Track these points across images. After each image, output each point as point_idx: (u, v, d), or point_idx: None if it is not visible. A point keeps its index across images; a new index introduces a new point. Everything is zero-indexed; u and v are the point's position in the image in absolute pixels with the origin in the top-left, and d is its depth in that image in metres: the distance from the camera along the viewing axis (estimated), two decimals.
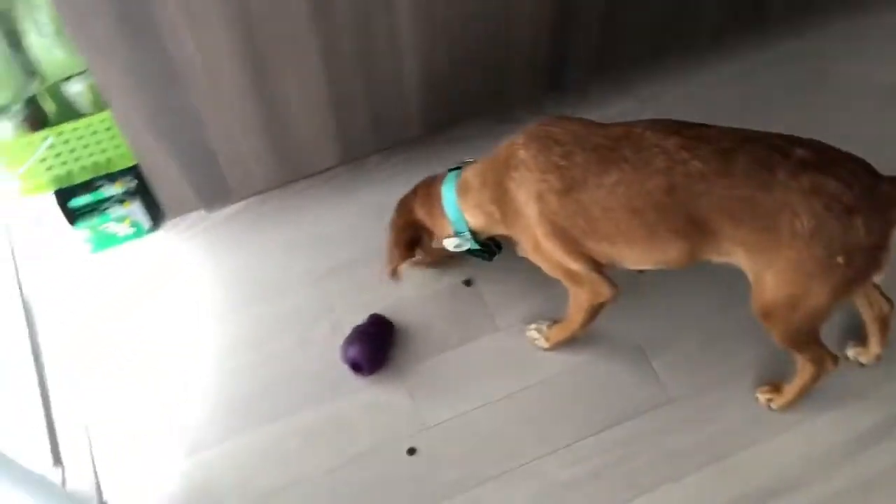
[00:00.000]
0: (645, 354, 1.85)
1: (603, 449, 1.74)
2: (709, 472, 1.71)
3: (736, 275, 1.78)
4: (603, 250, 1.58)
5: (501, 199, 1.62)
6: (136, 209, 2.03)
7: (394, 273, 1.83)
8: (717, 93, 2.26)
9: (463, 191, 1.72)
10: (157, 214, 2.09)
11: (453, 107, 2.03)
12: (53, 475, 1.70)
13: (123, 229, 2.05)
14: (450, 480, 1.71)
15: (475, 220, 1.73)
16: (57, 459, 1.67)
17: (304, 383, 1.85)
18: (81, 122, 1.87)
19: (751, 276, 1.51)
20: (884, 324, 1.76)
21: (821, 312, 1.50)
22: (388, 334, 1.88)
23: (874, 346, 1.79)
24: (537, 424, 1.78)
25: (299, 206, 2.12)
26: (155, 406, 1.85)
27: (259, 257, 2.06)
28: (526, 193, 1.56)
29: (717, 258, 1.53)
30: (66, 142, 1.86)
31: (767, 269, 1.46)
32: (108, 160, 1.93)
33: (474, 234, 1.76)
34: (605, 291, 1.66)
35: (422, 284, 1.97)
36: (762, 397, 1.77)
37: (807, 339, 1.59)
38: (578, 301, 1.72)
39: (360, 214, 2.10)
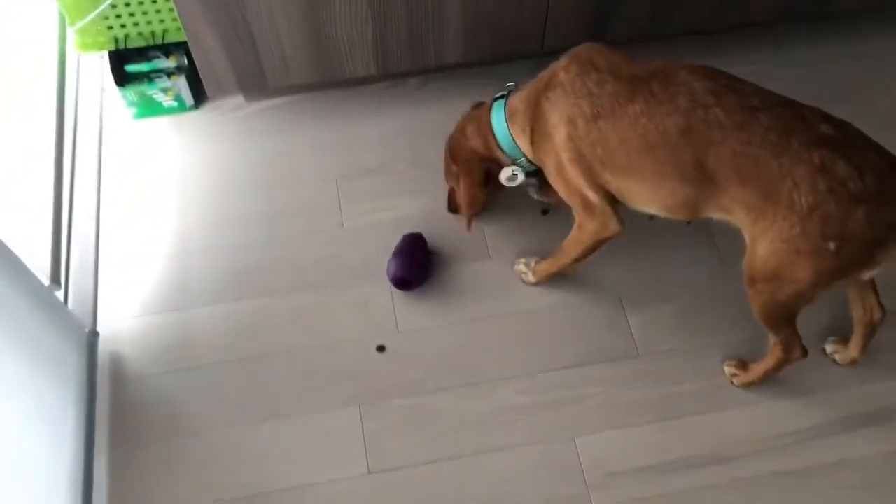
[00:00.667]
0: (623, 308, 1.91)
1: (561, 385, 1.82)
2: (655, 428, 1.77)
3: (732, 256, 1.83)
4: (616, 183, 1.60)
5: (536, 118, 1.66)
6: (181, 84, 2.16)
7: (470, 223, 1.87)
8: (764, 83, 2.25)
9: (511, 116, 1.74)
10: (201, 94, 2.22)
11: (493, 43, 2.08)
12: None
13: (167, 100, 2.19)
14: (409, 381, 1.82)
15: (526, 144, 1.74)
16: (55, 280, 1.83)
17: (301, 269, 1.97)
18: None
19: (746, 239, 1.51)
20: (870, 330, 1.76)
21: (802, 294, 1.50)
22: (425, 249, 1.96)
23: (853, 350, 1.80)
24: (504, 350, 1.86)
25: (333, 112, 2.23)
26: (162, 258, 2.00)
27: (287, 150, 2.17)
28: (558, 115, 1.59)
29: (718, 215, 1.54)
30: (128, 4, 1.98)
31: (762, 237, 1.46)
32: (165, 31, 2.06)
33: (529, 159, 1.77)
34: (613, 225, 1.68)
35: (434, 205, 2.06)
36: (728, 370, 1.81)
37: (783, 320, 1.61)
38: (584, 232, 1.73)
39: (389, 129, 2.20)
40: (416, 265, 1.92)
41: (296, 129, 2.21)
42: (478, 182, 1.85)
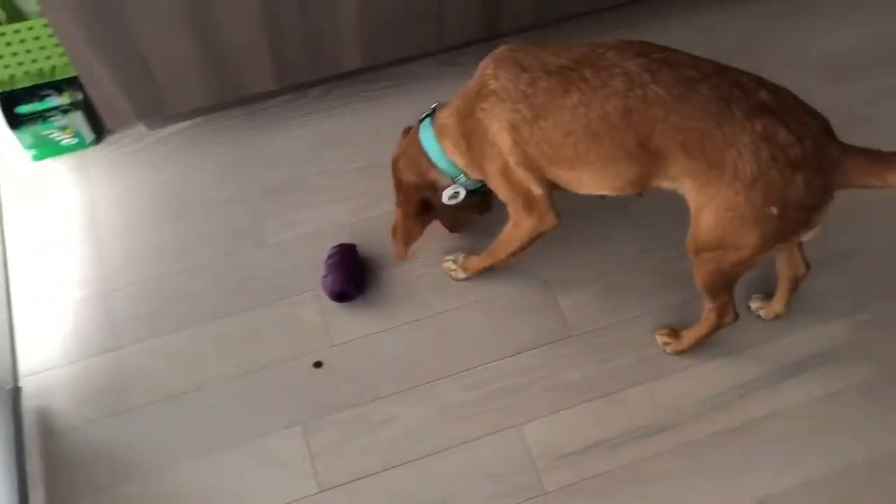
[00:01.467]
0: (552, 292, 1.93)
1: (501, 375, 1.83)
2: (598, 404, 1.79)
3: (649, 228, 1.86)
4: (566, 175, 1.59)
5: (473, 130, 1.61)
6: (78, 120, 2.09)
7: (405, 253, 1.80)
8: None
9: (441, 133, 1.68)
10: (100, 128, 2.16)
11: (393, 45, 2.08)
12: None
13: (66, 138, 2.12)
14: (349, 393, 1.80)
15: (461, 160, 1.69)
16: None
17: (224, 293, 1.93)
18: (23, 26, 1.91)
19: (692, 209, 1.52)
20: (794, 285, 1.82)
21: (746, 260, 1.53)
22: (359, 259, 1.93)
23: (777, 304, 1.86)
24: (441, 350, 1.86)
25: (239, 130, 2.18)
26: (80, 301, 1.93)
27: (197, 174, 2.12)
28: (498, 124, 1.56)
29: (666, 184, 1.55)
30: (9, 45, 1.90)
31: (706, 206, 1.48)
32: (53, 68, 1.98)
33: (468, 175, 1.72)
34: (551, 219, 1.68)
35: (351, 212, 2.04)
36: (660, 339, 1.85)
37: (724, 287, 1.65)
38: (521, 229, 1.72)
39: (297, 142, 2.17)
40: (354, 276, 1.90)
41: (203, 152, 2.16)
42: (412, 215, 1.77)
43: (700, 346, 1.81)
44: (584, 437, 1.75)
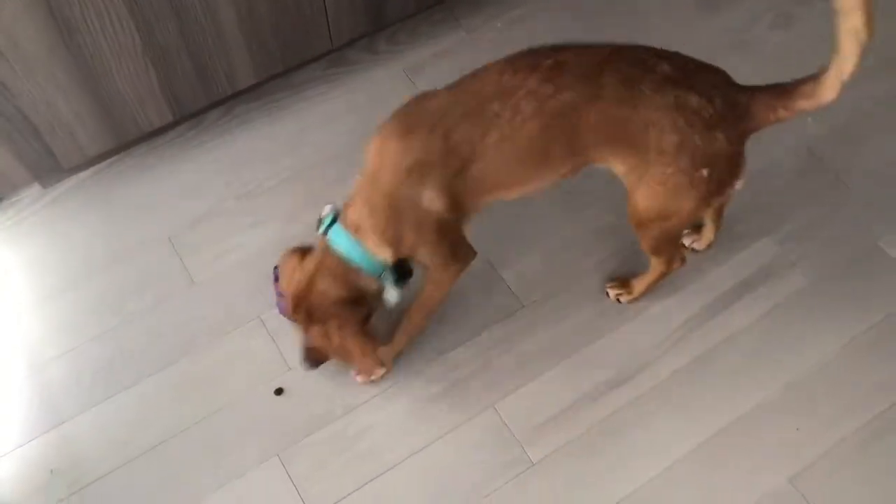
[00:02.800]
0: (494, 269, 1.94)
1: (464, 361, 1.83)
2: (562, 368, 1.83)
3: (575, 187, 1.89)
4: (499, 195, 1.58)
5: (399, 214, 1.51)
6: None
7: (372, 374, 1.74)
8: (546, 15, 2.33)
9: (359, 233, 1.55)
10: None
11: (282, 53, 2.03)
12: None
13: None
14: (318, 414, 1.77)
15: (385, 252, 1.56)
16: None
17: (167, 340, 1.86)
18: None
19: (627, 188, 1.55)
20: (719, 213, 1.88)
21: (688, 221, 1.59)
22: None
23: (708, 233, 1.93)
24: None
25: (143, 170, 2.09)
26: (14, 382, 1.82)
27: (108, 224, 2.02)
28: (430, 192, 1.48)
29: (599, 164, 1.57)
30: None
31: (640, 184, 1.51)
32: None
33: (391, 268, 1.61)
34: (473, 253, 1.67)
35: (279, 229, 1.99)
36: (612, 292, 1.89)
37: (670, 245, 1.70)
38: (447, 276, 1.67)
39: (205, 170, 2.09)
40: None
41: (109, 199, 2.06)
42: (363, 331, 1.61)
43: (651, 292, 1.87)
44: (557, 402, 1.78)
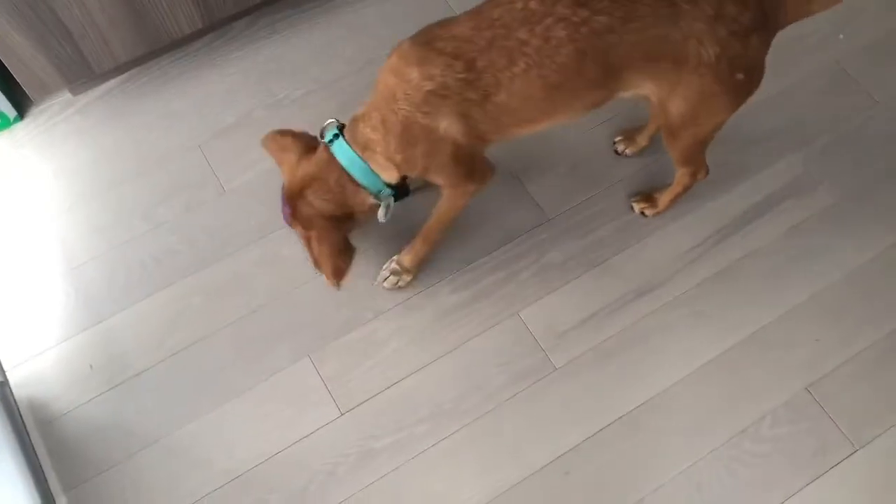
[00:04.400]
0: (521, 181, 1.96)
1: (488, 271, 1.86)
2: (586, 278, 1.86)
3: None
4: (523, 130, 1.57)
5: (414, 138, 1.50)
6: None
7: (339, 284, 1.65)
8: None
9: (367, 149, 1.54)
10: (21, 103, 2.04)
11: None
12: None
13: None
14: (348, 317, 1.82)
15: (390, 173, 1.57)
16: None
17: (199, 246, 1.89)
18: None
19: (657, 103, 1.54)
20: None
21: (721, 125, 1.59)
22: None
23: (642, 139, 1.95)
24: (430, 259, 1.86)
25: (171, 79, 2.10)
26: (51, 282, 1.87)
27: (138, 132, 2.04)
28: (448, 119, 1.47)
29: (627, 93, 1.55)
30: None
31: (672, 96, 1.51)
32: None
33: (390, 184, 1.61)
34: (490, 174, 1.67)
35: None
36: (637, 206, 1.91)
37: (700, 153, 1.71)
38: (463, 195, 1.68)
39: (233, 80, 2.10)
40: None
41: (137, 107, 2.07)
42: (338, 249, 1.61)
43: (675, 204, 1.88)
44: (580, 311, 1.82)
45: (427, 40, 1.45)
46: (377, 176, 1.57)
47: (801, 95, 2.04)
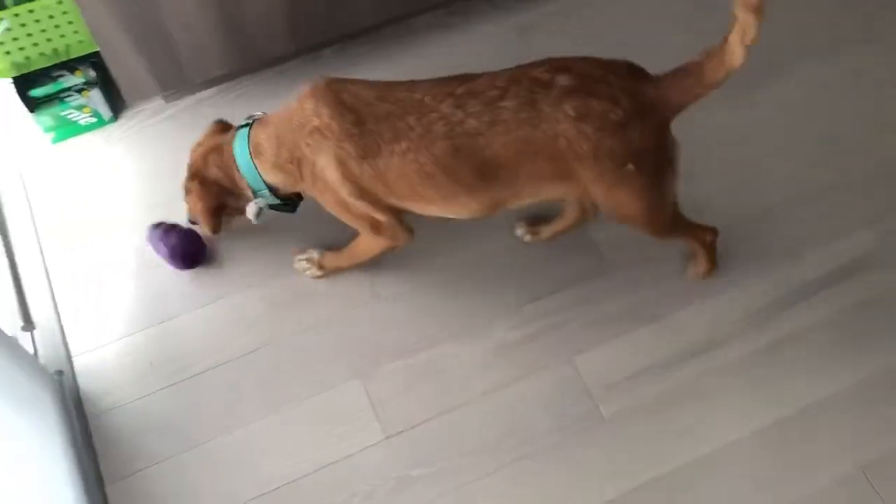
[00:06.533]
0: (586, 230, 1.96)
1: (546, 312, 1.87)
2: (642, 332, 1.85)
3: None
4: (406, 205, 1.64)
5: (300, 161, 1.62)
6: (95, 98, 2.07)
7: (214, 231, 1.79)
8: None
9: (257, 152, 1.68)
10: (117, 105, 2.14)
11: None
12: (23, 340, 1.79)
13: (84, 118, 2.10)
14: (401, 342, 1.84)
15: (275, 178, 1.69)
16: (28, 322, 1.76)
17: (270, 256, 1.95)
18: (37, 5, 1.88)
19: (583, 202, 1.60)
20: (572, 227, 1.90)
21: (653, 209, 1.60)
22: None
23: (546, 232, 1.93)
24: (483, 293, 1.90)
25: (257, 95, 2.17)
26: (123, 277, 1.94)
27: None
28: (325, 159, 1.57)
29: (530, 200, 1.62)
30: (24, 25, 1.87)
31: (587, 190, 1.54)
32: (67, 47, 1.96)
33: (274, 191, 1.72)
34: (403, 237, 1.72)
35: None
36: (690, 271, 1.90)
37: (672, 227, 1.72)
38: (371, 245, 1.77)
39: None
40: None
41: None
42: (209, 210, 1.75)
43: (714, 263, 1.87)
44: (634, 364, 1.81)
45: (337, 87, 1.57)
46: (259, 176, 1.69)
47: (885, 167, 2.02)
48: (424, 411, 1.76)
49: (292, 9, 1.92)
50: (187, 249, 1.90)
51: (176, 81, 2.02)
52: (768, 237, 1.94)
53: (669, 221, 1.70)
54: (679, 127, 1.52)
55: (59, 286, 1.93)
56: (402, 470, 1.71)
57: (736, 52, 1.35)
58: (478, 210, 1.62)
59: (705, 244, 1.82)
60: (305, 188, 1.69)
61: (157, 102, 2.16)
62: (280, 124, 1.64)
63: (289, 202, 1.78)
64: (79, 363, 1.85)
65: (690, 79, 1.43)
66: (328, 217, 1.73)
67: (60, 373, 1.82)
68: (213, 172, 1.75)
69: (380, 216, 1.65)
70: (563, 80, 1.44)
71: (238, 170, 1.71)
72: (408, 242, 1.74)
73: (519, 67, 1.49)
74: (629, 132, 1.44)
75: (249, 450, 1.74)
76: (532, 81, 1.45)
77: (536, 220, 1.93)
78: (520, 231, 1.94)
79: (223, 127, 1.82)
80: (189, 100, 2.17)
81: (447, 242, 1.95)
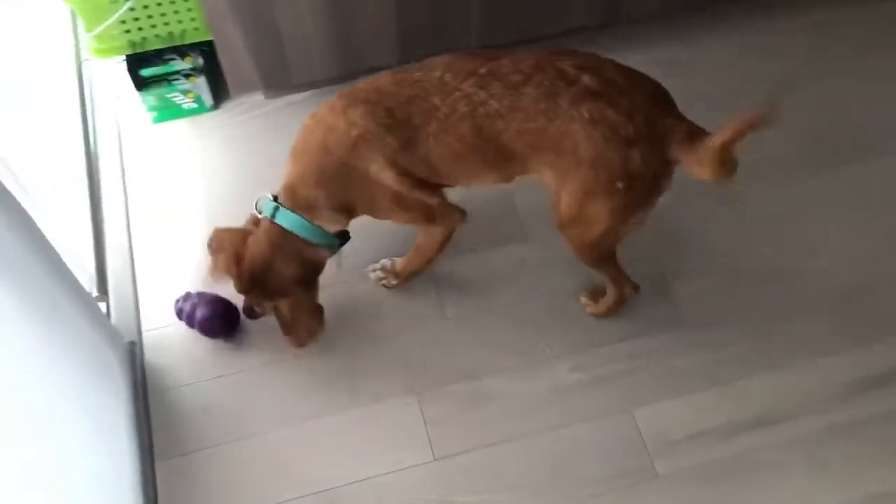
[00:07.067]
0: (666, 278, 1.93)
1: (611, 359, 1.84)
2: (710, 393, 1.80)
3: (764, 226, 1.87)
4: (456, 182, 1.65)
5: (352, 182, 1.58)
6: (201, 85, 2.13)
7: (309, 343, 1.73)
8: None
9: (310, 209, 1.61)
10: (219, 94, 2.20)
11: (513, 26, 2.09)
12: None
13: (187, 102, 2.17)
14: (463, 367, 1.83)
15: (335, 224, 1.65)
16: (102, 290, 1.80)
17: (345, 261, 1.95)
18: None
19: (552, 192, 1.58)
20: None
21: (606, 232, 1.59)
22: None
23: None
24: (550, 330, 1.87)
25: None
26: (197, 262, 1.96)
27: None
28: (377, 163, 1.54)
29: (531, 177, 1.61)
30: (146, 7, 1.95)
31: (562, 189, 1.55)
32: (182, 32, 2.02)
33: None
34: (457, 218, 1.72)
35: None
36: (583, 300, 1.88)
37: (601, 259, 1.71)
38: (434, 234, 1.76)
39: None
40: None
41: None
42: (311, 310, 1.70)
43: (614, 314, 1.86)
44: (696, 424, 1.76)
45: (351, 92, 1.57)
46: (327, 231, 1.64)
47: None
48: (476, 439, 1.74)
49: (399, 19, 1.95)
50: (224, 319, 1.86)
51: (279, 80, 2.06)
52: (854, 316, 1.87)
53: (611, 253, 1.70)
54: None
55: (139, 261, 1.99)
56: (444, 494, 1.69)
57: (707, 165, 1.40)
58: (498, 182, 1.65)
59: (620, 294, 1.81)
60: (361, 210, 1.65)
61: (258, 97, 2.21)
62: (318, 161, 1.58)
63: (345, 235, 1.72)
64: (147, 338, 1.89)
65: (696, 142, 1.42)
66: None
67: (133, 343, 1.86)
68: (290, 272, 1.65)
69: (431, 200, 1.64)
70: (587, 80, 1.44)
71: (306, 242, 1.63)
72: (462, 221, 1.72)
73: (546, 54, 1.49)
74: (632, 152, 1.44)
75: (297, 450, 1.75)
76: (557, 73, 1.45)
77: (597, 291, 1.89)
78: (583, 300, 1.91)
79: (235, 237, 1.67)
80: (287, 99, 2.21)
81: (521, 271, 1.94)
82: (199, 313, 1.83)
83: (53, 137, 2.02)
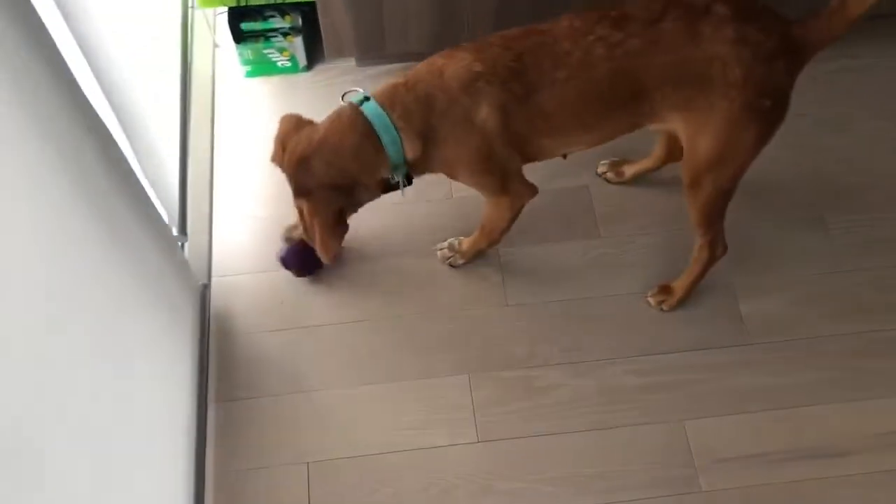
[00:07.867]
0: (735, 295, 1.89)
1: (669, 368, 1.82)
2: (766, 416, 1.76)
3: (847, 248, 1.83)
4: (551, 143, 1.62)
5: (451, 121, 1.52)
6: (297, 44, 2.17)
7: (335, 255, 1.66)
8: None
9: (403, 117, 1.52)
10: (313, 56, 2.24)
11: None
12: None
13: (282, 60, 2.20)
14: (518, 355, 1.83)
15: (414, 149, 1.55)
16: (182, 231, 1.86)
17: (411, 234, 1.99)
18: None
19: (685, 140, 1.56)
20: (655, 168, 1.94)
21: (742, 167, 1.57)
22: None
23: (629, 169, 1.95)
24: (611, 331, 1.86)
25: None
26: (273, 219, 2.00)
27: None
28: (488, 108, 1.50)
29: (654, 125, 1.60)
30: None
31: (702, 129, 1.53)
32: None
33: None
34: (528, 192, 1.70)
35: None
36: (653, 301, 1.87)
37: (720, 211, 1.68)
38: (503, 207, 1.72)
39: None
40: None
41: None
42: (330, 224, 1.60)
43: (693, 291, 1.85)
44: (748, 446, 1.73)
45: (481, 39, 1.54)
46: (402, 149, 1.54)
47: None
48: (523, 427, 1.75)
49: (501, 6, 1.95)
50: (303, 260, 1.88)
51: (374, 47, 2.08)
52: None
53: (724, 204, 1.66)
54: None
55: (217, 207, 2.04)
56: (485, 477, 1.70)
57: None
58: (618, 133, 1.63)
59: (712, 255, 1.76)
60: (443, 149, 1.56)
61: (349, 63, 2.24)
62: (429, 83, 1.52)
63: (409, 176, 1.64)
64: (216, 283, 1.94)
65: (834, 17, 1.43)
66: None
67: (206, 286, 1.91)
68: (324, 173, 1.55)
69: (514, 164, 1.62)
70: (720, 8, 1.45)
71: (376, 146, 1.53)
72: (532, 196, 1.71)
73: None
74: (777, 64, 1.46)
75: (344, 412, 1.78)
76: (688, 8, 1.46)
77: (618, 161, 1.95)
78: (602, 168, 1.96)
79: (298, 120, 1.65)
80: (378, 69, 2.23)
81: (588, 268, 1.93)
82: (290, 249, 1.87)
83: (153, 78, 2.07)
